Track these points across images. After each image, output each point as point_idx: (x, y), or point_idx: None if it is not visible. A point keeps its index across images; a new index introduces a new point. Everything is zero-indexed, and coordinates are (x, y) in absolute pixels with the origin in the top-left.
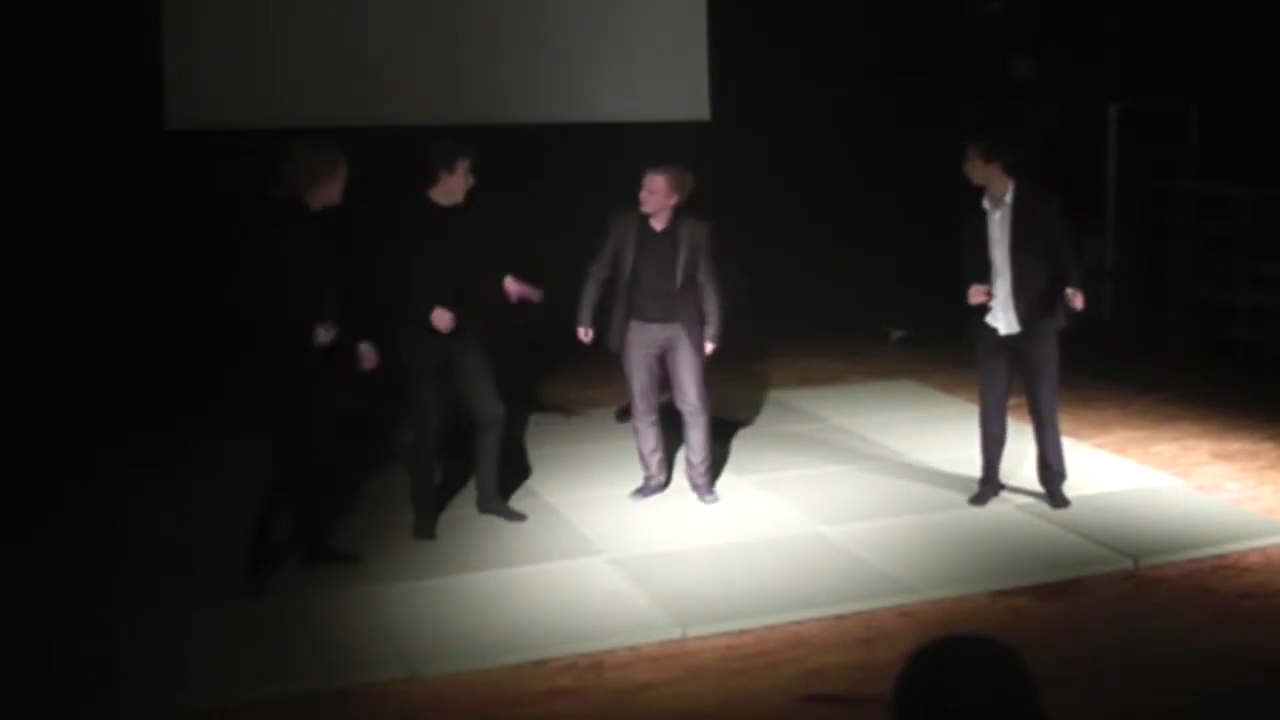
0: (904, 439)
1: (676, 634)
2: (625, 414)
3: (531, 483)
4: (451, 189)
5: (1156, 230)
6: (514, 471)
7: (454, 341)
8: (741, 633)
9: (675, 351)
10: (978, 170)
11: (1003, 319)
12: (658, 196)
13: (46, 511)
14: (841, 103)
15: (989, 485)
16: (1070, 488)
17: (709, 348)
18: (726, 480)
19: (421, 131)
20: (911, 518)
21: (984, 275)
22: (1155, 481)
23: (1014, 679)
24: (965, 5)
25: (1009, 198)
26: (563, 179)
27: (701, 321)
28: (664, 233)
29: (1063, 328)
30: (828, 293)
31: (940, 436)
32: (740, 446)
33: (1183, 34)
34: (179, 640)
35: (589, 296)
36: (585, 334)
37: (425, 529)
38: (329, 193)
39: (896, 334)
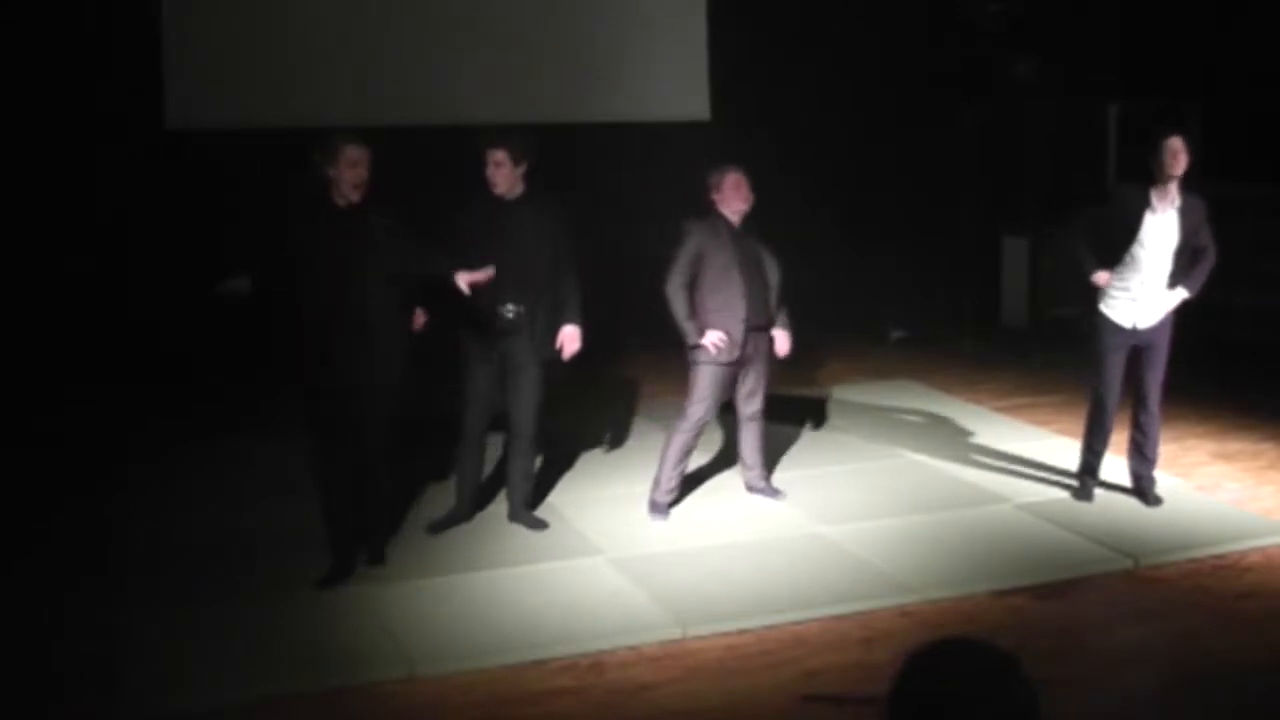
0: (904, 439)
1: (676, 634)
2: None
3: None
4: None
5: None
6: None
7: (506, 341)
8: (741, 633)
9: (756, 359)
10: (1181, 163)
11: (1140, 314)
12: (744, 192)
13: (47, 511)
14: (841, 103)
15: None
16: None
17: (788, 344)
18: (727, 480)
19: (422, 132)
20: (911, 518)
21: (1110, 264)
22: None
23: (1014, 680)
24: (965, 5)
25: (1179, 201)
26: (562, 179)
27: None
28: (745, 233)
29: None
30: (828, 292)
31: (941, 436)
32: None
33: (1183, 34)
34: (179, 640)
35: (686, 305)
36: (720, 338)
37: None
38: (342, 186)
39: (896, 334)
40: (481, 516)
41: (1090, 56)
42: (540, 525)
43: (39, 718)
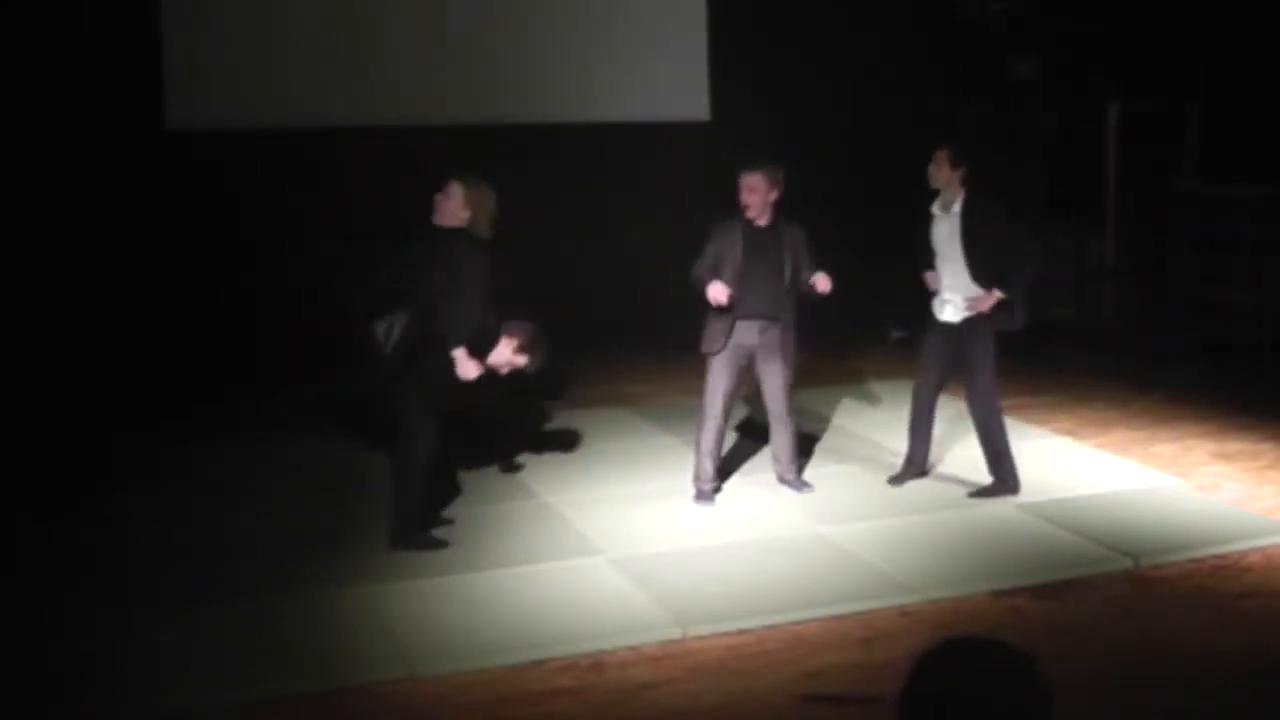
0: (904, 439)
1: (676, 634)
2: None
3: (531, 483)
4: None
5: (1156, 230)
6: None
7: None
8: (741, 633)
9: (768, 360)
10: (942, 174)
11: (947, 309)
12: (759, 195)
13: (47, 511)
14: (841, 103)
15: (912, 465)
16: (1070, 488)
17: (825, 282)
18: (727, 479)
19: (421, 132)
20: (911, 518)
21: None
22: (1155, 481)
23: (1021, 680)
24: (965, 5)
25: (958, 207)
26: (563, 179)
27: (795, 329)
28: (768, 229)
29: (1012, 328)
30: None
31: (940, 436)
32: (741, 446)
33: (1183, 34)
34: (179, 640)
35: (703, 278)
36: (722, 290)
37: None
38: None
39: (896, 334)
40: (481, 516)
41: (1090, 56)
42: None
43: (39, 718)
